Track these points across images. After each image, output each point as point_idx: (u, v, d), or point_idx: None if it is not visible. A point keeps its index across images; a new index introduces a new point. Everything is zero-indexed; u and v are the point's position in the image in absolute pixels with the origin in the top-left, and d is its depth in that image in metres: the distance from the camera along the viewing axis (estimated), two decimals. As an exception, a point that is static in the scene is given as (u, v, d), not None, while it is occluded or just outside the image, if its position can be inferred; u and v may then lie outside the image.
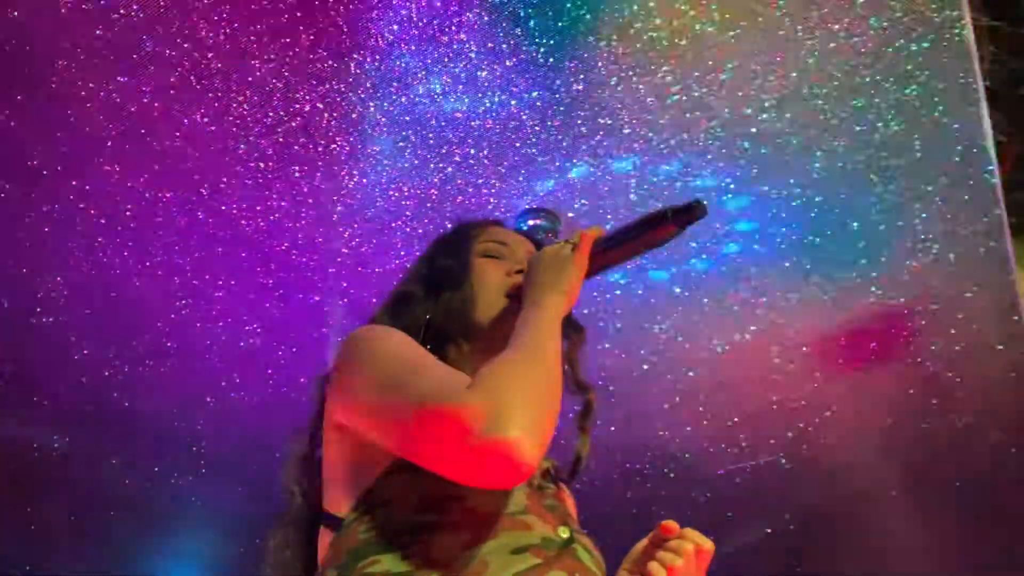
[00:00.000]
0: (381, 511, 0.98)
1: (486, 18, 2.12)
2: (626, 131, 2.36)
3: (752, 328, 2.96)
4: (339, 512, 1.03)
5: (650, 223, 1.14)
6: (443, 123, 2.35)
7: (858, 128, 2.34)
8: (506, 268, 1.22)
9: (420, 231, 2.60)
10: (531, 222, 2.58)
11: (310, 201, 2.56)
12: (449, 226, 1.39)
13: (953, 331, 2.94)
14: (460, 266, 1.22)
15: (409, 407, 0.94)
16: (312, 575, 1.09)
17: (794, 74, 2.21)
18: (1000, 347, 2.99)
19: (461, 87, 2.26)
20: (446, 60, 2.20)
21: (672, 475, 3.69)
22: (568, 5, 2.08)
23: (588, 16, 2.10)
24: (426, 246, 1.36)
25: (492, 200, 2.55)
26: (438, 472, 0.92)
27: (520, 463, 0.86)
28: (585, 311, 2.82)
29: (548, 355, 0.99)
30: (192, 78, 2.24)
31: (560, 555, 0.98)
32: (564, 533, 1.01)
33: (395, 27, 2.13)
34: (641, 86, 2.25)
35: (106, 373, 3.14)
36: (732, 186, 2.50)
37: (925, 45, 2.14)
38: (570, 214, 2.57)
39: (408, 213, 2.59)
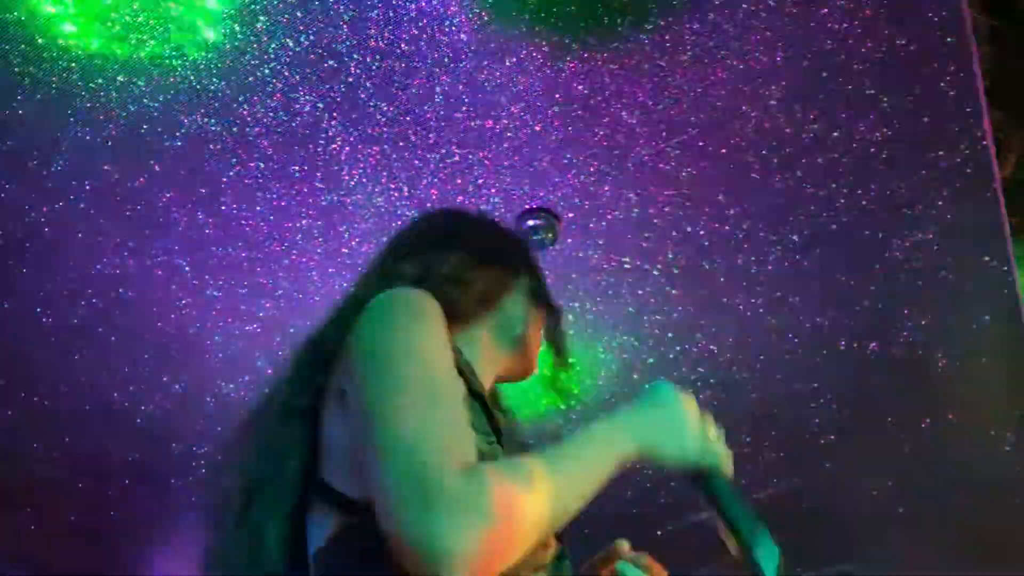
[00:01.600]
0: None
1: (486, 18, 2.12)
2: (626, 132, 2.36)
3: (752, 328, 2.96)
4: (343, 488, 0.95)
5: (739, 536, 1.05)
6: (443, 123, 2.35)
7: (858, 128, 2.34)
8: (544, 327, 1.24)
9: (420, 231, 2.59)
10: (531, 222, 2.58)
11: (310, 201, 2.56)
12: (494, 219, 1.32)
13: (953, 331, 2.94)
14: (546, 296, 1.23)
15: (397, 440, 0.83)
16: (299, 550, 1.00)
17: (793, 74, 2.21)
18: (1000, 347, 2.99)
19: (461, 87, 2.26)
20: (446, 60, 2.20)
21: (672, 476, 3.69)
22: (568, 5, 2.08)
23: (588, 16, 2.10)
24: (481, 218, 1.29)
25: (492, 200, 2.55)
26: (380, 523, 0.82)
27: (446, 568, 0.77)
28: (586, 311, 2.83)
29: (579, 485, 0.90)
30: (192, 78, 2.24)
31: (557, 568, 0.98)
32: (556, 549, 1.00)
33: (395, 27, 2.13)
34: (641, 86, 2.25)
35: (106, 373, 3.14)
36: (732, 187, 2.50)
37: (925, 45, 2.14)
38: (570, 214, 2.57)
39: (408, 213, 2.59)
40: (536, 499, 0.82)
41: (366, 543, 0.89)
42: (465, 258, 1.16)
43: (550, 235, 2.59)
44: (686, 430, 1.04)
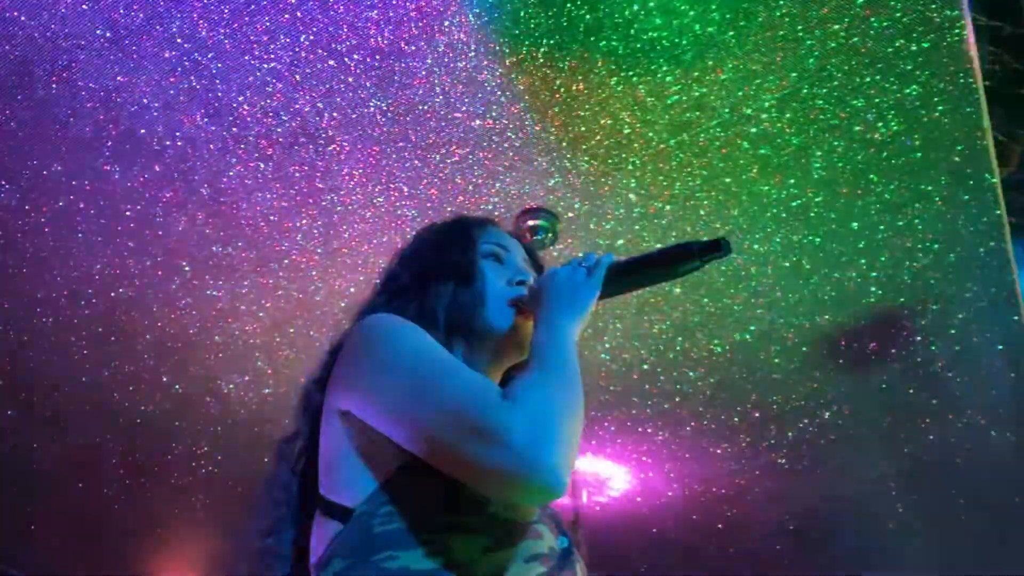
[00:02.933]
0: (399, 506, 0.97)
1: (486, 18, 2.12)
2: (626, 131, 2.36)
3: (752, 328, 2.96)
4: (343, 500, 1.02)
5: (673, 255, 1.16)
6: (443, 123, 2.35)
7: (858, 128, 2.34)
8: (507, 276, 1.24)
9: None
10: (531, 222, 2.58)
11: (310, 201, 2.56)
12: (445, 219, 1.37)
13: (953, 331, 2.94)
14: (468, 263, 1.23)
15: (442, 413, 0.94)
16: (302, 559, 1.08)
17: (794, 74, 2.21)
18: (1000, 347, 2.99)
19: (461, 87, 2.26)
20: (446, 60, 2.20)
21: (672, 475, 3.69)
22: (568, 5, 2.08)
23: (588, 16, 2.10)
24: (417, 237, 1.35)
25: (492, 200, 2.55)
26: (467, 482, 0.93)
27: (557, 487, 0.89)
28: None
29: (577, 382, 1.01)
30: (192, 78, 2.24)
31: (562, 565, 1.00)
32: (564, 542, 1.03)
33: (395, 27, 2.13)
34: (641, 86, 2.25)
35: (106, 373, 3.14)
36: (732, 186, 2.50)
37: (925, 45, 2.14)
38: (570, 214, 2.57)
39: (408, 213, 2.59)
40: (564, 393, 0.97)
41: (355, 541, 0.97)
42: (394, 281, 1.26)
43: (550, 235, 2.59)
44: (575, 288, 1.14)
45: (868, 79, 2.22)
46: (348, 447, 1.04)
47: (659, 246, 1.21)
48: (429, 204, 2.56)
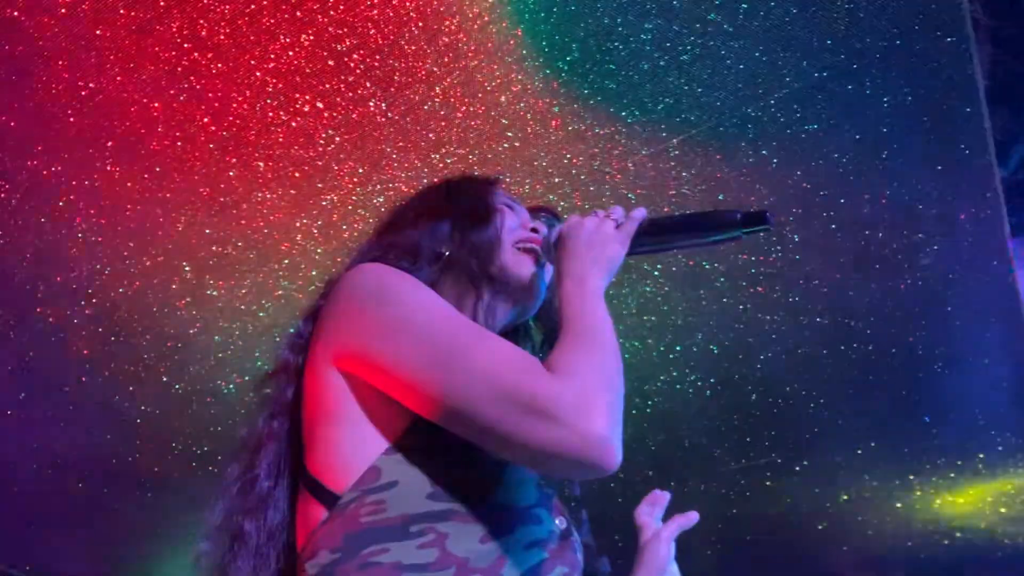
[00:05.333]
0: (388, 493, 0.91)
1: (486, 18, 2.12)
2: (626, 131, 2.36)
3: (752, 328, 2.96)
4: (325, 479, 0.95)
5: (715, 220, 1.10)
6: (443, 123, 2.35)
7: (858, 127, 2.34)
8: (521, 220, 1.20)
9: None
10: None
11: (310, 201, 2.56)
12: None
13: (953, 331, 2.94)
14: (485, 207, 1.16)
15: (479, 384, 0.88)
16: (286, 541, 1.00)
17: (796, 73, 2.21)
18: (1000, 347, 2.99)
19: (462, 87, 2.26)
20: (447, 60, 2.20)
21: (672, 475, 3.69)
22: (568, 5, 2.08)
23: (588, 16, 2.10)
24: (421, 189, 1.27)
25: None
26: (510, 457, 0.88)
27: (612, 460, 0.86)
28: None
29: (613, 342, 0.97)
30: (192, 78, 2.24)
31: (562, 548, 0.97)
32: (562, 524, 0.99)
33: (395, 27, 2.13)
34: (641, 86, 2.25)
35: (106, 372, 3.14)
36: (732, 186, 2.50)
37: (925, 45, 2.14)
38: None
39: (408, 213, 2.59)
40: (602, 363, 0.93)
41: (344, 532, 0.91)
42: (402, 227, 1.17)
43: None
44: (604, 242, 1.09)
45: (868, 79, 2.22)
46: (336, 419, 0.96)
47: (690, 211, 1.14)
48: (429, 204, 2.56)
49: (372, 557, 0.88)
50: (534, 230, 1.19)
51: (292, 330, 1.11)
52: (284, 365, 1.08)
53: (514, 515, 0.93)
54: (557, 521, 0.98)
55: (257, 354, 3.09)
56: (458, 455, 0.92)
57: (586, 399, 0.86)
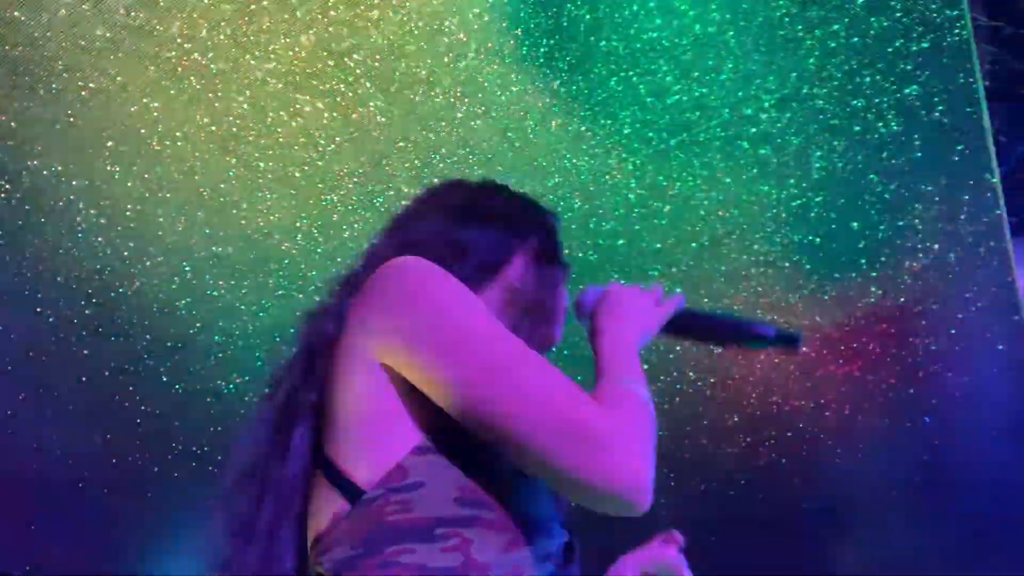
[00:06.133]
0: (415, 493, 0.89)
1: (486, 18, 2.12)
2: (626, 131, 2.36)
3: (752, 328, 2.96)
4: (351, 472, 0.93)
5: (747, 333, 1.16)
6: (443, 123, 2.35)
7: (858, 128, 2.34)
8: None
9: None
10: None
11: (310, 201, 2.56)
12: (510, 187, 1.26)
13: (953, 331, 2.94)
14: (559, 247, 1.20)
15: (530, 402, 0.87)
16: (301, 524, 0.98)
17: (794, 74, 2.21)
18: (1000, 347, 2.99)
19: (461, 87, 2.26)
20: (446, 60, 2.20)
21: (671, 475, 3.69)
22: (568, 5, 2.08)
23: (588, 16, 2.10)
24: (488, 187, 1.24)
25: (492, 200, 2.55)
26: (547, 477, 0.88)
27: (647, 500, 0.88)
28: (585, 311, 2.82)
29: (648, 394, 1.01)
30: (192, 78, 2.24)
31: (567, 560, 0.98)
32: (565, 537, 1.00)
33: (395, 27, 2.13)
34: (641, 86, 2.25)
35: (106, 373, 3.14)
36: (732, 186, 2.50)
37: (925, 45, 2.14)
38: (569, 214, 2.57)
39: (408, 213, 2.59)
40: (645, 411, 0.97)
41: (367, 529, 0.89)
42: (460, 224, 1.12)
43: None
44: (645, 313, 1.13)
45: (868, 79, 2.22)
46: (367, 412, 0.94)
47: (731, 315, 1.24)
48: (429, 204, 2.55)
49: (395, 557, 0.87)
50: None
51: (328, 299, 1.05)
52: (323, 337, 1.01)
53: (533, 526, 0.93)
54: (563, 536, 0.99)
55: (257, 354, 3.09)
56: (484, 461, 0.92)
57: (633, 437, 0.89)
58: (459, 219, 1.13)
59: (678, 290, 1.19)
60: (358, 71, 2.23)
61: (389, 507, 0.89)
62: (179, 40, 2.15)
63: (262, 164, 2.46)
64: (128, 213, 2.59)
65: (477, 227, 1.12)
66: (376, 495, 0.90)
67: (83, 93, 2.26)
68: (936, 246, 2.64)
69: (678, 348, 3.04)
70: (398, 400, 0.93)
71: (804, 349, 3.03)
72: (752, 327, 1.16)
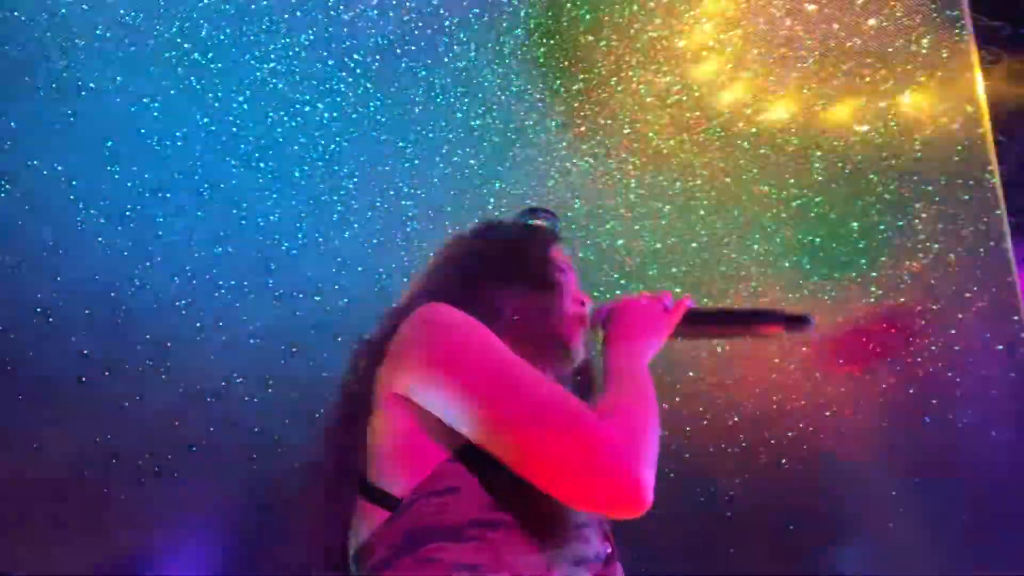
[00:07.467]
0: (448, 497, 0.96)
1: (486, 18, 2.12)
2: (626, 131, 2.36)
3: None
4: (389, 487, 1.00)
5: (758, 317, 1.19)
6: (443, 123, 2.35)
7: (858, 128, 2.34)
8: (573, 293, 1.25)
9: (420, 231, 2.60)
10: (531, 222, 2.58)
11: (310, 201, 2.56)
12: (513, 222, 1.36)
13: (953, 331, 2.94)
14: (548, 271, 1.23)
15: (534, 414, 0.92)
16: (342, 543, 1.05)
17: (794, 75, 2.21)
18: (1000, 347, 2.99)
19: (461, 87, 2.26)
20: (446, 60, 2.20)
21: (672, 475, 3.69)
22: (568, 5, 2.08)
23: (588, 16, 2.10)
24: (487, 231, 1.33)
25: (492, 200, 2.55)
26: (547, 483, 0.91)
27: (645, 501, 0.90)
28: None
29: (657, 410, 1.03)
30: (192, 78, 2.24)
31: (605, 571, 1.01)
32: (607, 550, 1.03)
33: (395, 27, 2.13)
34: (641, 86, 2.25)
35: (106, 373, 3.14)
36: (732, 186, 2.50)
37: (925, 45, 2.14)
38: (570, 214, 2.57)
39: (408, 213, 2.59)
40: (646, 423, 0.99)
41: (404, 530, 0.96)
42: (459, 279, 1.22)
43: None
44: (654, 322, 1.19)
45: (868, 79, 2.22)
46: (400, 433, 1.01)
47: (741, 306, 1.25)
48: (429, 204, 2.56)
49: (431, 554, 0.93)
50: (582, 302, 1.25)
51: (358, 355, 1.15)
52: (356, 385, 1.11)
53: (564, 531, 0.98)
54: (604, 546, 1.03)
55: (257, 354, 3.09)
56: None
57: (631, 443, 0.92)
58: (457, 276, 1.23)
59: (685, 293, 1.21)
60: (358, 71, 2.23)
61: (424, 510, 0.96)
62: (179, 40, 2.15)
63: (262, 164, 2.46)
64: (128, 213, 2.59)
65: (472, 283, 1.20)
66: (412, 500, 0.97)
67: (83, 93, 2.26)
68: (936, 246, 2.64)
69: (678, 348, 3.04)
70: (429, 424, 1.00)
71: (804, 349, 3.03)
72: (762, 315, 1.19)
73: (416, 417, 1.00)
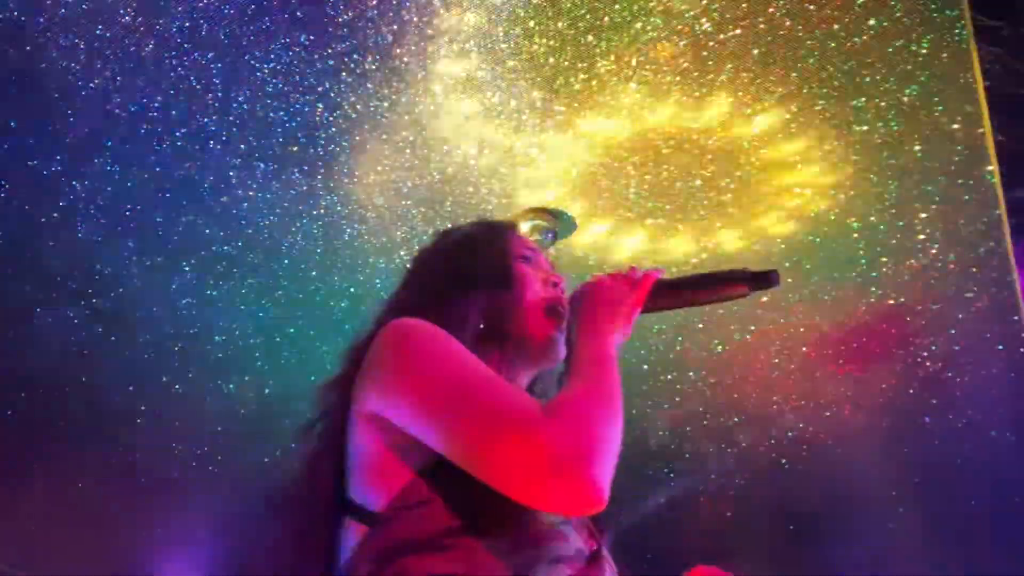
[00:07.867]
0: (422, 509, 0.97)
1: (486, 18, 2.12)
2: (626, 132, 2.36)
3: (752, 328, 2.96)
4: (368, 503, 1.01)
5: (723, 279, 1.18)
6: (443, 123, 2.35)
7: (858, 128, 2.34)
8: (541, 277, 1.23)
9: (420, 231, 2.60)
10: (531, 222, 2.58)
11: (310, 201, 2.56)
12: (465, 222, 1.33)
13: (953, 331, 2.94)
14: (506, 267, 1.21)
15: (482, 421, 0.93)
16: (331, 564, 1.06)
17: (794, 74, 2.21)
18: (1000, 347, 2.99)
19: (460, 87, 2.26)
20: (445, 60, 2.20)
21: (672, 475, 3.69)
22: (568, 5, 2.08)
23: (588, 16, 2.10)
24: (442, 239, 1.31)
25: (492, 200, 2.55)
26: (502, 490, 0.91)
27: (597, 500, 0.89)
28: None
29: (617, 396, 1.00)
30: (192, 78, 2.24)
31: (589, 570, 1.00)
32: (591, 546, 1.03)
33: (395, 27, 2.13)
34: (640, 86, 2.25)
35: (106, 373, 3.14)
36: (732, 186, 2.50)
37: (925, 45, 2.14)
38: (570, 213, 2.57)
39: (408, 213, 2.59)
40: (609, 410, 0.96)
41: (381, 544, 0.97)
42: (423, 292, 1.21)
43: (550, 235, 2.59)
44: (620, 300, 1.15)
45: (868, 79, 2.22)
46: (374, 450, 1.03)
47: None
48: (429, 204, 2.56)
49: (407, 565, 0.94)
50: (555, 283, 1.22)
51: (335, 374, 1.15)
52: (331, 405, 1.13)
53: (538, 532, 0.97)
54: (588, 543, 1.02)
55: (257, 354, 3.09)
56: None
57: (578, 440, 0.90)
58: (425, 284, 1.22)
59: (656, 268, 1.19)
60: (358, 71, 2.23)
61: (401, 524, 0.97)
62: (179, 40, 2.15)
63: (262, 164, 2.46)
64: (128, 213, 2.59)
65: (436, 288, 1.20)
66: (389, 515, 0.98)
67: (83, 93, 2.26)
68: (936, 246, 2.64)
69: (677, 348, 3.04)
70: (402, 438, 1.00)
71: (804, 349, 3.03)
72: (726, 271, 1.18)
73: (387, 434, 1.01)
